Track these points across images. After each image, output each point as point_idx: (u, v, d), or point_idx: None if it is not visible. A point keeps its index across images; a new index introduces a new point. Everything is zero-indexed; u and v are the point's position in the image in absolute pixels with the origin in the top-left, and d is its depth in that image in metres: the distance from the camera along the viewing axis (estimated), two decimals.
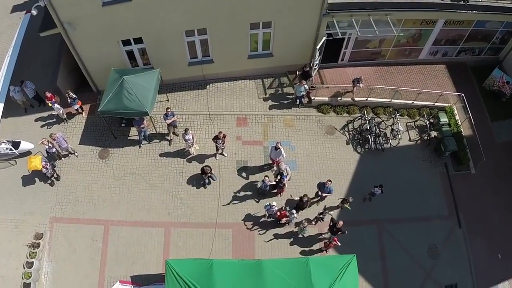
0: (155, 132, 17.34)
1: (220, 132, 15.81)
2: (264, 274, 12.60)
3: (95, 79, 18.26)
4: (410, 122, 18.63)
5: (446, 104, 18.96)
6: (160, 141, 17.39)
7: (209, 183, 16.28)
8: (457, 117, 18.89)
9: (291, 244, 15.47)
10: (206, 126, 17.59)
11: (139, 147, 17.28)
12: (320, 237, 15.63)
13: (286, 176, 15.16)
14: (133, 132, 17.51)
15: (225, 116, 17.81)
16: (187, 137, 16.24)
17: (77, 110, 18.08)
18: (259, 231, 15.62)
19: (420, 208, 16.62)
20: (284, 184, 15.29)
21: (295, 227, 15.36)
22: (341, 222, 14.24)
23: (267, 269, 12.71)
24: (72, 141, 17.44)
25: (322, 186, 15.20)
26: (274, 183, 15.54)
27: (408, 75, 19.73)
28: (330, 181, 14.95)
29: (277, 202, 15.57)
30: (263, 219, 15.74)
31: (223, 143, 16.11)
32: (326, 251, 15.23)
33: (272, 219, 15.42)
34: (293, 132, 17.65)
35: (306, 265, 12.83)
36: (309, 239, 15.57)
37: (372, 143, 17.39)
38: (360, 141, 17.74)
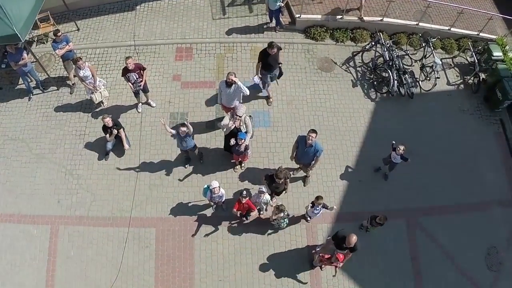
0: (47, 76, 9.64)
1: (128, 59, 8.11)
2: None
3: None
4: (446, 58, 10.81)
5: (494, 36, 11.43)
6: (58, 89, 9.73)
7: (109, 152, 8.68)
8: (511, 55, 11.43)
9: (258, 252, 7.83)
10: None
11: (29, 99, 9.67)
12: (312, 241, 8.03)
13: (245, 133, 7.51)
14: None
15: (159, 46, 10.01)
16: (82, 73, 8.52)
17: None
18: (202, 231, 8.03)
19: (469, 188, 8.92)
20: (245, 148, 7.70)
21: (272, 220, 7.71)
22: (353, 237, 6.47)
23: None
24: None
25: (302, 146, 7.36)
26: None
27: None
28: (314, 132, 7.15)
29: (237, 180, 8.25)
30: (209, 210, 8.18)
31: (141, 80, 8.49)
32: (321, 268, 7.67)
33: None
34: None
35: None
36: (290, 241, 7.98)
37: (395, 83, 9.53)
38: (375, 82, 9.91)
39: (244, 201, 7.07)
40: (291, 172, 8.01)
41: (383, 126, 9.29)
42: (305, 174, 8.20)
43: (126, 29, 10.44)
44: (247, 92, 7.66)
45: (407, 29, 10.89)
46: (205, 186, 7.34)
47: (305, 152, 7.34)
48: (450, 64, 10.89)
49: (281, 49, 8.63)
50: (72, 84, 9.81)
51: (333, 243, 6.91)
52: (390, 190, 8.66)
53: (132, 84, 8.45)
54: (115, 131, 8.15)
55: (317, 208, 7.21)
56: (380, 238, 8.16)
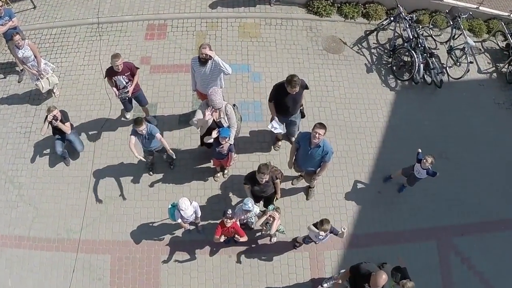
0: None
1: (116, 57, 5.65)
2: None
3: None
4: (475, 42, 8.68)
5: None
6: (5, 77, 7.59)
7: (65, 156, 6.45)
8: None
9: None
10: (88, 44, 7.68)
11: None
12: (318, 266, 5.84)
13: (229, 129, 5.35)
14: None
15: (127, 23, 7.84)
16: (21, 53, 6.39)
17: None
18: (170, 260, 5.86)
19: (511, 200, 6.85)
20: (229, 149, 5.53)
21: (264, 228, 5.53)
22: (382, 277, 4.27)
23: None
24: None
25: (304, 147, 5.18)
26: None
27: None
28: (322, 127, 4.95)
29: (217, 191, 6.15)
30: (181, 232, 5.99)
31: (127, 83, 5.98)
32: None
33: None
34: (258, 47, 7.63)
35: None
36: (288, 275, 5.74)
37: (420, 67, 7.31)
38: (394, 67, 7.75)
39: (229, 224, 4.95)
40: (282, 171, 5.67)
41: (406, 121, 7.13)
42: (308, 184, 6.05)
43: (89, 5, 8.28)
44: (229, 70, 5.45)
45: (430, 5, 8.74)
46: (170, 205, 5.21)
47: (309, 155, 5.17)
48: (480, 49, 8.80)
49: (307, 87, 5.66)
50: (21, 70, 7.69)
51: (349, 276, 4.87)
52: (416, 204, 6.51)
53: (120, 92, 6.01)
54: (48, 119, 5.86)
55: (322, 234, 5.14)
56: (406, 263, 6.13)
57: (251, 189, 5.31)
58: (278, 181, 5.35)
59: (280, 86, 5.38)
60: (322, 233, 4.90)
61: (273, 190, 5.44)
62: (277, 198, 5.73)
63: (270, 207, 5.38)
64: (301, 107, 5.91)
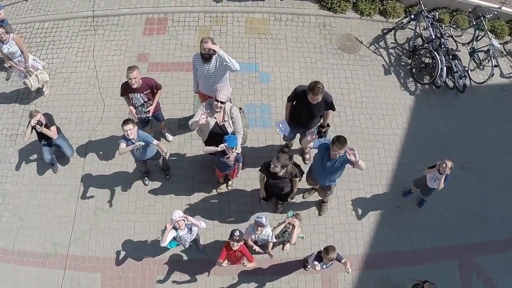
0: None
1: (132, 70, 4.82)
2: None
3: None
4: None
5: None
6: None
7: (53, 163, 5.78)
8: None
9: None
10: (82, 39, 7.00)
11: None
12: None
13: (235, 133, 4.62)
14: None
15: (124, 17, 7.15)
16: (6, 48, 5.69)
17: None
18: (167, 281, 5.18)
19: None
20: (236, 160, 4.78)
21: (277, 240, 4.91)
22: None
23: None
24: None
25: (323, 156, 4.44)
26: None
27: None
28: (341, 145, 4.15)
29: (220, 205, 5.53)
30: (179, 249, 5.25)
31: (150, 105, 5.19)
32: None
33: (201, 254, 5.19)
34: (266, 44, 6.95)
35: None
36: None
37: (443, 70, 6.63)
38: (414, 69, 7.05)
39: (236, 247, 4.27)
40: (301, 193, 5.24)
41: (426, 128, 6.47)
42: (321, 198, 5.41)
43: None
44: (236, 66, 4.73)
45: (451, 4, 8.10)
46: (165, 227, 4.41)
47: (328, 167, 4.46)
48: (502, 52, 8.20)
49: (332, 107, 4.91)
50: (9, 67, 7.01)
51: None
52: (437, 220, 5.86)
53: (135, 108, 5.23)
54: (31, 124, 5.19)
55: (327, 264, 4.46)
56: None
57: (265, 181, 4.71)
58: (297, 179, 4.74)
59: (302, 92, 4.66)
60: (328, 263, 4.34)
61: (289, 189, 4.87)
62: (292, 198, 5.17)
63: (289, 213, 4.81)
64: (324, 130, 5.14)
